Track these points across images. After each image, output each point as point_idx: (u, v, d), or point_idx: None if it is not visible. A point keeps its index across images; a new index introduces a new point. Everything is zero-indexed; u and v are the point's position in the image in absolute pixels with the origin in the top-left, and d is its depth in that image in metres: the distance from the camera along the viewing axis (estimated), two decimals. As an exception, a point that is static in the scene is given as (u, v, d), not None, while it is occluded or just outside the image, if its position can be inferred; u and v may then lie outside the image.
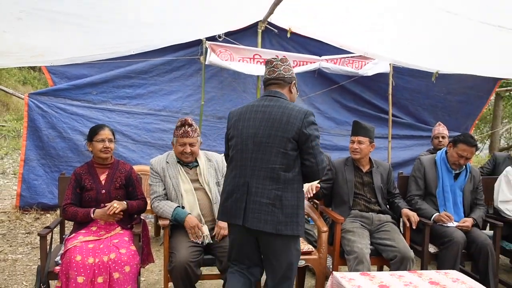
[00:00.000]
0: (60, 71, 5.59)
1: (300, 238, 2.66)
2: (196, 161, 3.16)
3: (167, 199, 3.07)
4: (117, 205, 2.90)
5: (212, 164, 3.21)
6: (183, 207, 2.99)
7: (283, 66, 2.53)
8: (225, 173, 2.65)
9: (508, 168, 3.74)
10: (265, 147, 2.36)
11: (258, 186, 2.34)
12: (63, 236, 3.16)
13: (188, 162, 3.12)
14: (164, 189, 3.09)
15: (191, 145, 3.06)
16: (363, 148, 3.41)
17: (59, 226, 3.18)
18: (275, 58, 2.57)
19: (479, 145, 13.36)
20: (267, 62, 2.58)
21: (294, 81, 2.57)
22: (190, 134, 3.05)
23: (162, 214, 2.98)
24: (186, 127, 3.05)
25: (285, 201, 2.32)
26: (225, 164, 3.31)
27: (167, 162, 3.13)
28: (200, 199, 3.05)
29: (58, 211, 3.31)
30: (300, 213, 2.38)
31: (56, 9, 3.53)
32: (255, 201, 2.33)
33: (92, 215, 2.90)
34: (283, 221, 2.31)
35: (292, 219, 2.33)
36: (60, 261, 2.68)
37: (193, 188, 3.06)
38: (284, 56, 2.61)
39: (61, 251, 2.78)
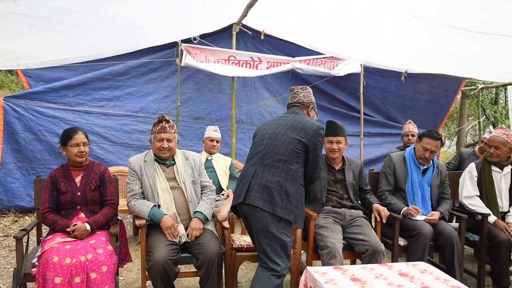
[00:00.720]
0: (36, 74, 5.56)
1: None
2: (173, 159, 3.18)
3: (143, 198, 3.07)
4: (78, 233, 2.81)
5: (189, 162, 3.22)
6: (159, 206, 3.00)
7: (303, 93, 3.03)
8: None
9: (471, 164, 3.84)
10: (277, 142, 2.75)
11: (265, 171, 2.70)
12: (40, 238, 3.13)
13: (166, 158, 3.13)
14: (141, 187, 3.08)
15: (168, 140, 3.09)
16: (341, 148, 3.50)
17: (36, 228, 3.15)
18: (297, 87, 3.09)
19: (447, 142, 13.71)
20: (290, 90, 3.10)
21: (312, 106, 3.05)
22: (168, 130, 3.09)
23: (139, 213, 2.98)
24: (164, 123, 3.11)
25: (284, 189, 2.65)
26: (202, 162, 3.41)
27: (145, 160, 3.13)
28: (176, 198, 3.06)
29: (36, 214, 3.30)
30: (295, 203, 2.67)
31: (32, 13, 3.51)
32: (260, 183, 2.67)
33: (70, 233, 2.83)
34: (279, 205, 2.61)
35: (287, 205, 2.64)
36: (37, 263, 2.65)
37: (169, 187, 3.07)
38: (304, 86, 3.08)
39: (38, 253, 2.75)
